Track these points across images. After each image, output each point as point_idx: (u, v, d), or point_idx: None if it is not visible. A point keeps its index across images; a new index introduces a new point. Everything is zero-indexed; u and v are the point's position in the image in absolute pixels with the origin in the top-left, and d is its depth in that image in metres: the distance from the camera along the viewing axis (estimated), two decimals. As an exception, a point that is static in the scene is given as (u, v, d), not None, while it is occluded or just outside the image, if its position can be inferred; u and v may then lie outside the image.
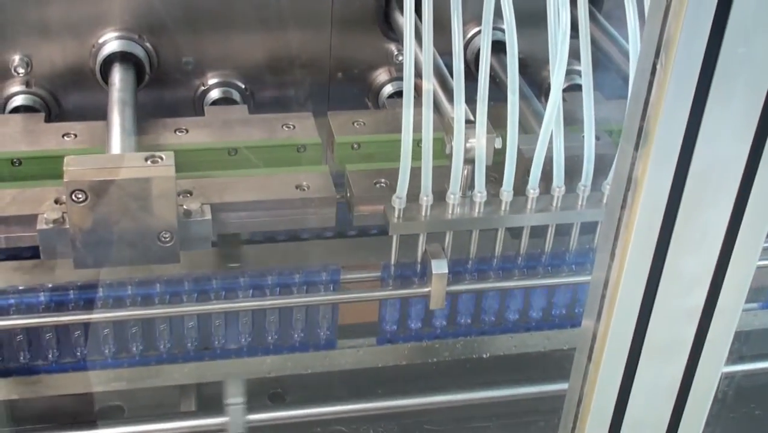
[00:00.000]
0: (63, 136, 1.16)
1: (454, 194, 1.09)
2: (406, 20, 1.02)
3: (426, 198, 1.08)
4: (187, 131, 1.17)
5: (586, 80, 1.07)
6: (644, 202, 0.70)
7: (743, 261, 0.74)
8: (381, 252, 1.14)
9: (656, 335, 0.77)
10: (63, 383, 1.11)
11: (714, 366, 0.80)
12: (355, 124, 1.20)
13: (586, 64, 1.07)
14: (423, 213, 1.09)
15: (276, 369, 1.15)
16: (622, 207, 0.72)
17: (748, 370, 1.34)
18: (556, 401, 0.91)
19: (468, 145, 1.06)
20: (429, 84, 1.06)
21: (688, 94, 0.65)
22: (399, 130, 1.04)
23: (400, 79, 1.41)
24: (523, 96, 1.19)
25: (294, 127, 1.19)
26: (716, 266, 0.74)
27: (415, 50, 1.04)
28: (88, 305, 1.07)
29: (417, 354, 1.18)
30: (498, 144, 1.07)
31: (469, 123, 1.05)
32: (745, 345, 1.29)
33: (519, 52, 1.06)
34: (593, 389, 0.80)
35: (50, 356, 1.09)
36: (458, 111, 1.05)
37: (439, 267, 1.10)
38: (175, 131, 1.18)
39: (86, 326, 1.09)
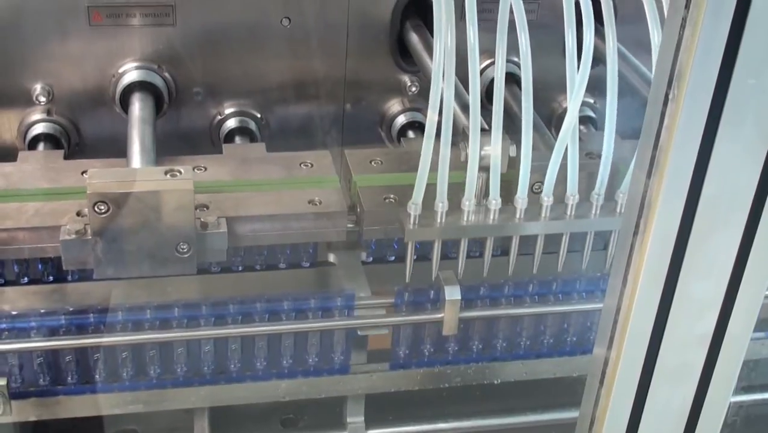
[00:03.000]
0: (82, 173, 1.17)
1: (469, 201, 1.09)
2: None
3: (441, 204, 1.08)
4: (205, 169, 1.18)
5: (611, 82, 1.06)
6: (656, 230, 0.71)
7: (753, 288, 0.75)
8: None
9: (667, 360, 0.78)
10: (78, 405, 1.12)
11: (724, 392, 0.81)
12: (373, 162, 1.21)
13: (612, 56, 1.06)
14: (438, 220, 1.09)
15: (290, 393, 1.16)
16: (634, 234, 0.73)
17: (756, 400, 1.34)
18: (567, 428, 0.92)
19: (483, 152, 1.06)
20: (450, 90, 1.04)
21: (699, 124, 0.67)
22: (416, 168, 1.05)
23: (413, 109, 1.45)
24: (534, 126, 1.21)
25: (312, 165, 1.20)
26: (726, 292, 0.75)
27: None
28: (106, 328, 1.09)
29: (429, 380, 1.19)
30: (512, 152, 1.07)
31: (484, 131, 1.06)
32: (753, 372, 1.30)
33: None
34: (605, 414, 0.81)
35: (68, 378, 1.11)
36: (473, 117, 1.05)
37: (452, 293, 1.11)
38: (194, 169, 1.19)
39: (103, 349, 1.10)
